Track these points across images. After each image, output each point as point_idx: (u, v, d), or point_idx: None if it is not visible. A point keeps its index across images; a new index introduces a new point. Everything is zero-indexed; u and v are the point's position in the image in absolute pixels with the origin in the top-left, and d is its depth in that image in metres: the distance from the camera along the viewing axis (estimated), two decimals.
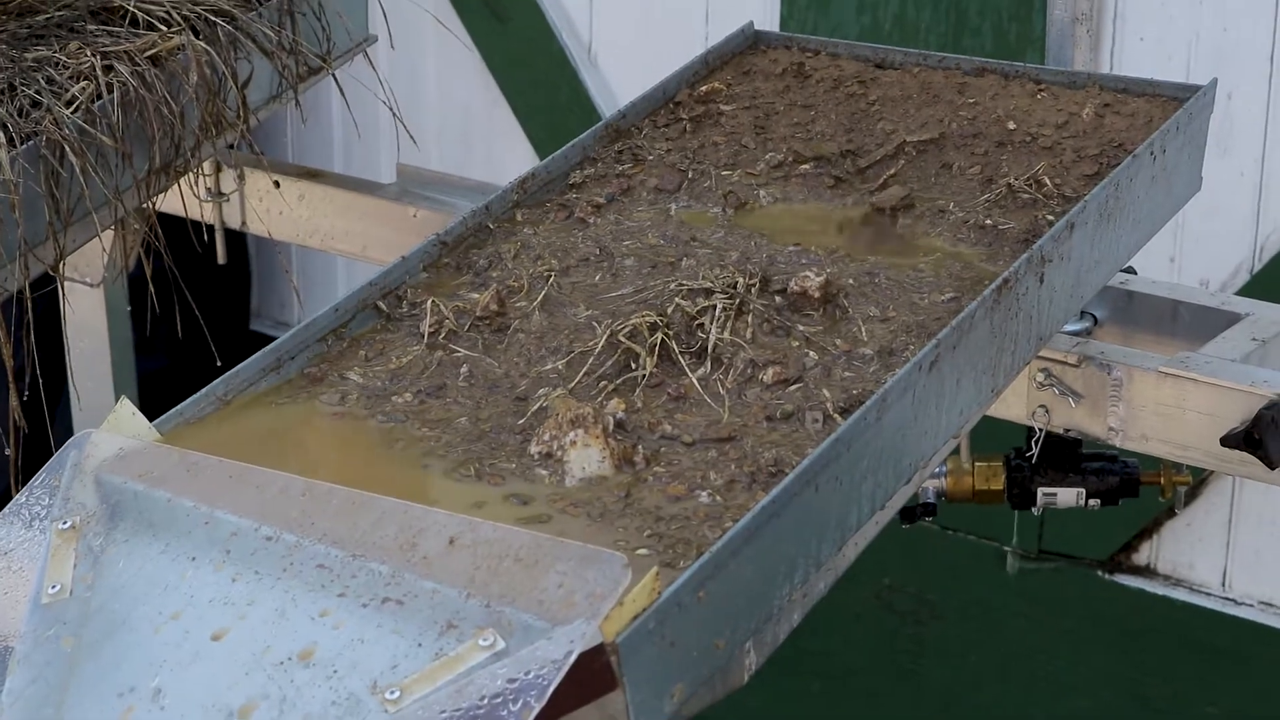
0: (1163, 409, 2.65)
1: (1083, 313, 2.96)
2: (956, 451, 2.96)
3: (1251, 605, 4.08)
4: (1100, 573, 4.18)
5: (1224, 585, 4.11)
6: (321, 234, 3.30)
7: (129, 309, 3.72)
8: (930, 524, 4.04)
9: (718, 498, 2.03)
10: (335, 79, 3.20)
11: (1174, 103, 2.61)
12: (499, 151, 4.56)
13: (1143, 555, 4.18)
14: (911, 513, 3.07)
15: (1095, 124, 2.61)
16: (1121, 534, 4.14)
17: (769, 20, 4.20)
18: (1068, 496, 2.97)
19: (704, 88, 2.83)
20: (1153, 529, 4.13)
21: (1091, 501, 2.97)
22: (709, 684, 2.00)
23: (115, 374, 3.73)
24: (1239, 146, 3.81)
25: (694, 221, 2.51)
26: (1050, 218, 2.41)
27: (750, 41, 2.93)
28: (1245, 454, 2.60)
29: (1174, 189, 2.59)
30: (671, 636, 1.87)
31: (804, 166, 2.61)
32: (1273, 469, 2.59)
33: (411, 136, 3.47)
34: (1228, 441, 2.61)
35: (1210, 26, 3.78)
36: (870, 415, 2.08)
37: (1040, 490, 2.96)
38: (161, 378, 4.47)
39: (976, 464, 2.99)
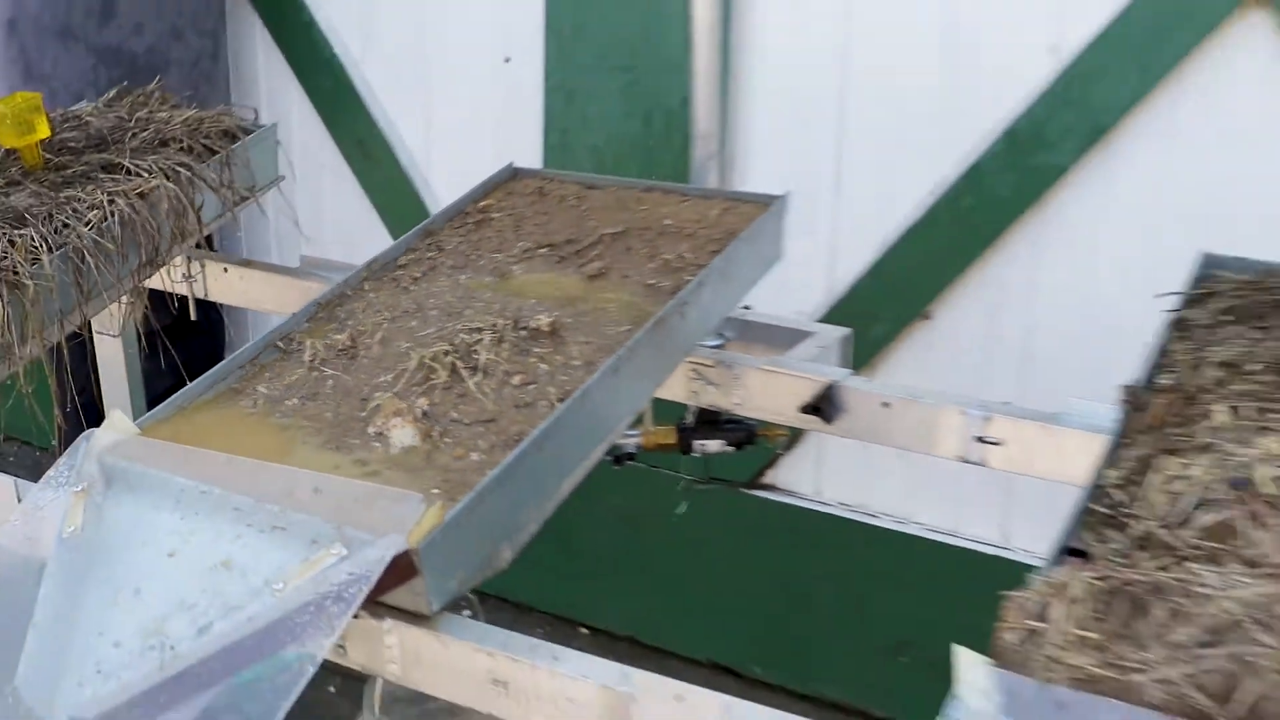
0: (765, 391, 2.69)
1: (719, 334, 3.01)
2: (640, 420, 2.95)
3: (834, 505, 4.11)
4: (744, 490, 4.18)
5: (817, 493, 4.13)
6: (252, 299, 3.27)
7: (144, 350, 3.68)
8: (638, 464, 4.07)
9: (484, 456, 2.05)
10: (259, 203, 3.20)
11: (765, 206, 2.65)
12: (371, 244, 4.53)
13: (769, 477, 4.19)
14: (620, 459, 3.05)
15: (719, 220, 2.64)
16: (755, 465, 4.14)
17: (536, 161, 4.20)
18: (715, 446, 2.97)
19: (483, 203, 2.84)
20: (773, 461, 4.14)
21: (729, 448, 2.98)
22: (480, 569, 2.02)
23: (131, 393, 3.69)
24: (819, 227, 3.85)
25: (474, 287, 2.51)
26: (689, 278, 2.43)
27: (512, 174, 2.95)
28: (813, 417, 2.65)
29: (765, 257, 2.63)
30: (453, 542, 1.89)
31: (542, 250, 2.62)
32: (829, 423, 2.64)
33: (306, 237, 3.47)
34: (803, 410, 2.66)
35: (794, 158, 3.82)
36: (577, 403, 2.11)
37: (697, 443, 2.96)
38: (167, 394, 4.42)
39: (658, 428, 2.98)
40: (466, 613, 2.02)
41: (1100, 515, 1.80)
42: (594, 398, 2.15)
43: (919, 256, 3.73)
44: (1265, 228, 3.25)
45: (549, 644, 1.90)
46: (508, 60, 4.29)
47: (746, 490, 4.21)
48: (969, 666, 1.54)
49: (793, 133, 3.84)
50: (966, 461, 2.56)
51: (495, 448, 2.07)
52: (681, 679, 4.52)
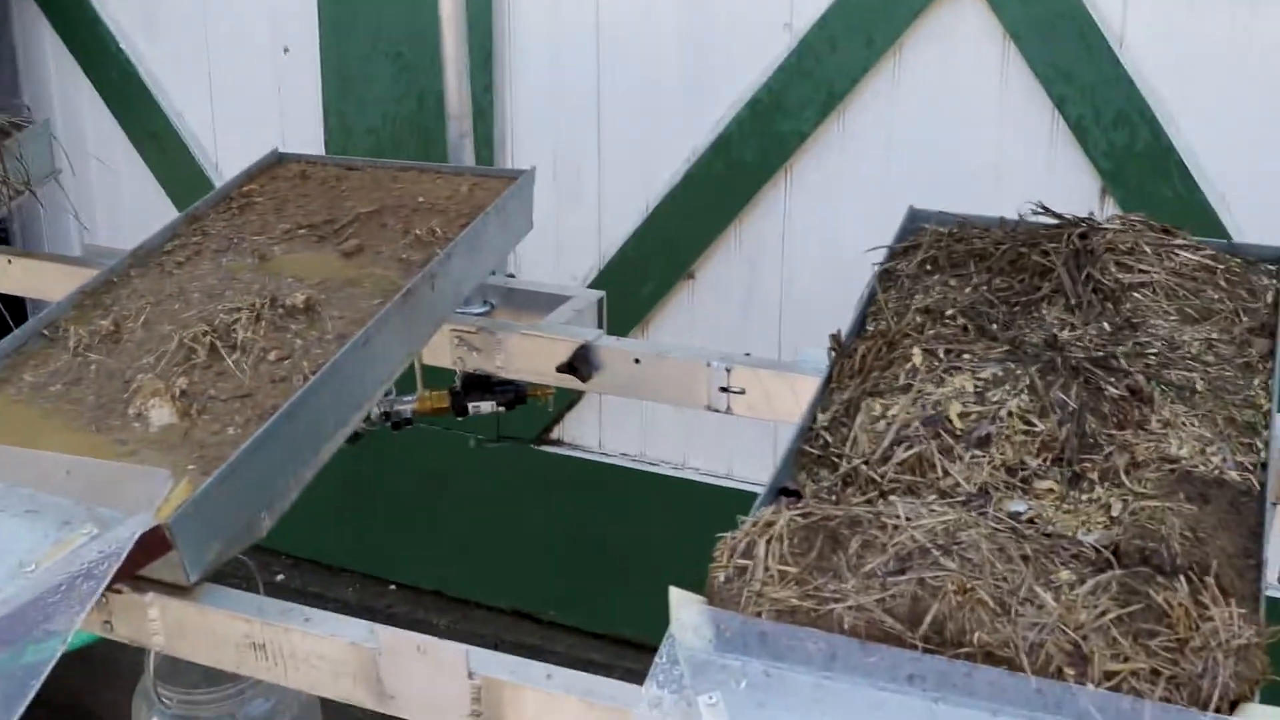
0: (525, 353, 2.67)
1: (485, 301, 2.97)
2: (412, 386, 2.90)
3: (616, 456, 4.11)
4: (533, 446, 4.16)
5: (600, 445, 4.13)
6: (36, 289, 3.16)
7: None
8: (435, 428, 4.03)
9: (240, 430, 1.99)
10: (36, 196, 3.08)
11: (511, 180, 2.61)
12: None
13: (555, 433, 4.18)
14: (397, 425, 3.00)
15: (469, 195, 2.61)
16: (542, 423, 4.12)
17: (319, 146, 4.10)
18: (487, 407, 2.94)
19: (246, 188, 2.76)
20: (558, 419, 4.13)
21: (500, 408, 2.94)
22: (239, 539, 1.96)
23: None
24: (586, 198, 3.83)
25: (235, 269, 2.44)
26: (439, 252, 2.39)
27: (276, 159, 2.87)
28: (570, 375, 2.63)
29: (514, 229, 2.60)
30: (206, 515, 1.84)
31: (301, 231, 2.56)
32: (584, 382, 2.62)
33: (85, 227, 3.35)
34: (560, 369, 2.63)
35: (560, 135, 3.79)
36: (327, 374, 2.06)
37: (470, 404, 2.92)
38: None
39: (432, 393, 2.93)
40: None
41: (812, 455, 1.81)
42: (345, 369, 2.11)
43: (679, 220, 3.73)
44: (976, 183, 3.31)
45: (301, 607, 1.86)
46: (286, 50, 4.18)
47: (535, 446, 4.18)
48: (681, 605, 1.53)
49: (557, 112, 3.81)
50: (713, 410, 2.56)
51: (250, 421, 2.01)
52: (485, 627, 4.48)
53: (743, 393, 2.51)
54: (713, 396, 2.53)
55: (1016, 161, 3.32)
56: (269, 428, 1.94)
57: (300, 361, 2.14)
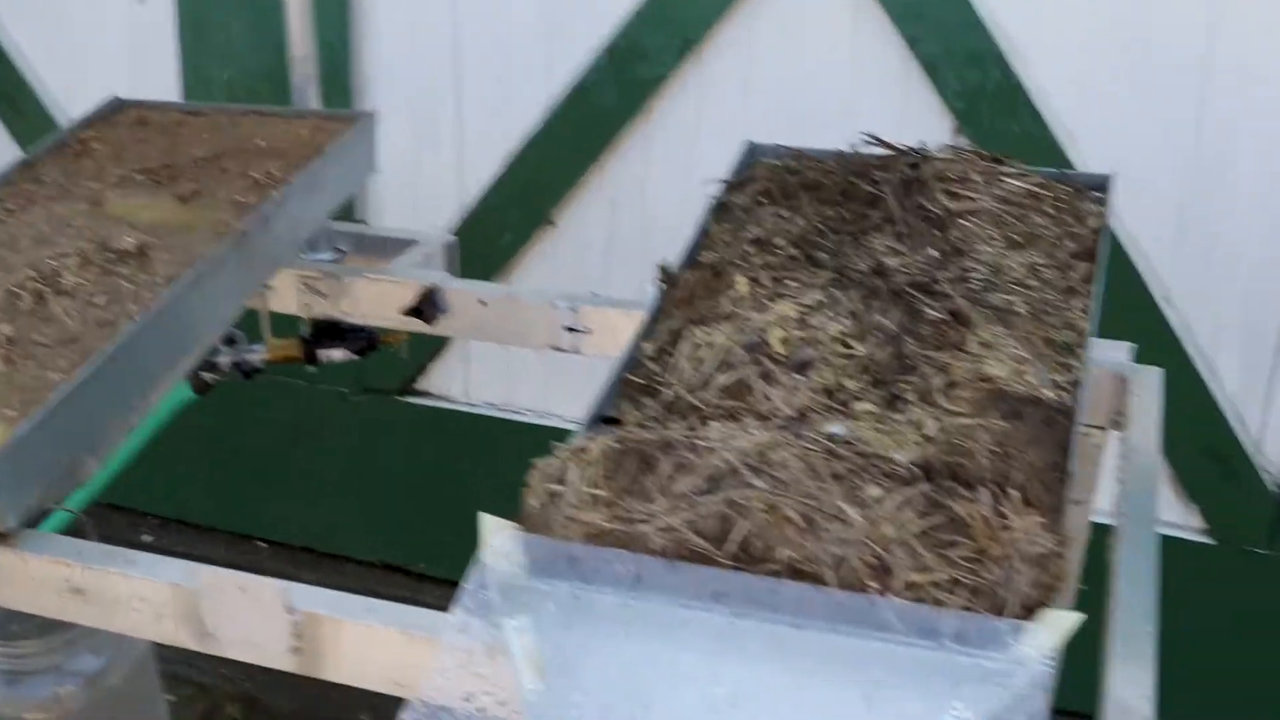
0: (370, 298, 2.65)
1: (335, 248, 2.94)
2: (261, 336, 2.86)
3: (482, 406, 4.09)
4: (398, 398, 4.13)
5: (466, 395, 4.11)
6: None
7: None
8: (296, 379, 3.98)
9: (63, 375, 1.95)
10: None
11: (352, 122, 2.58)
12: None
13: (419, 384, 4.16)
14: (248, 374, 2.93)
15: (310, 139, 2.57)
16: (406, 373, 4.09)
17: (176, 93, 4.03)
18: (339, 355, 2.89)
19: (84, 135, 2.70)
20: (422, 369, 4.10)
21: (354, 356, 2.90)
22: (62, 482, 1.93)
23: None
24: (444, 145, 3.80)
25: (68, 215, 2.39)
26: (275, 194, 2.36)
27: (116, 106, 2.81)
28: (416, 319, 2.62)
29: (355, 171, 2.57)
30: (24, 459, 1.80)
31: (138, 177, 2.51)
32: (430, 325, 2.61)
33: None
34: (406, 312, 2.62)
35: (417, 81, 3.74)
36: (153, 318, 2.03)
37: (321, 352, 2.88)
38: None
39: (283, 341, 2.88)
40: None
41: (637, 385, 1.81)
42: (173, 312, 2.07)
43: (539, 167, 3.71)
44: (832, 122, 3.32)
45: (123, 550, 1.83)
46: (142, 1, 4.09)
47: (400, 398, 4.16)
48: (492, 531, 1.52)
49: (415, 58, 3.77)
50: (560, 350, 2.56)
51: (75, 366, 1.97)
52: (356, 582, 4.46)
53: (590, 332, 2.51)
54: (560, 336, 2.53)
55: (871, 102, 3.34)
56: (90, 370, 1.91)
57: (129, 305, 2.10)
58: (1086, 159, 3.22)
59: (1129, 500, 1.90)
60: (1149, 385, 2.22)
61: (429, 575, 4.31)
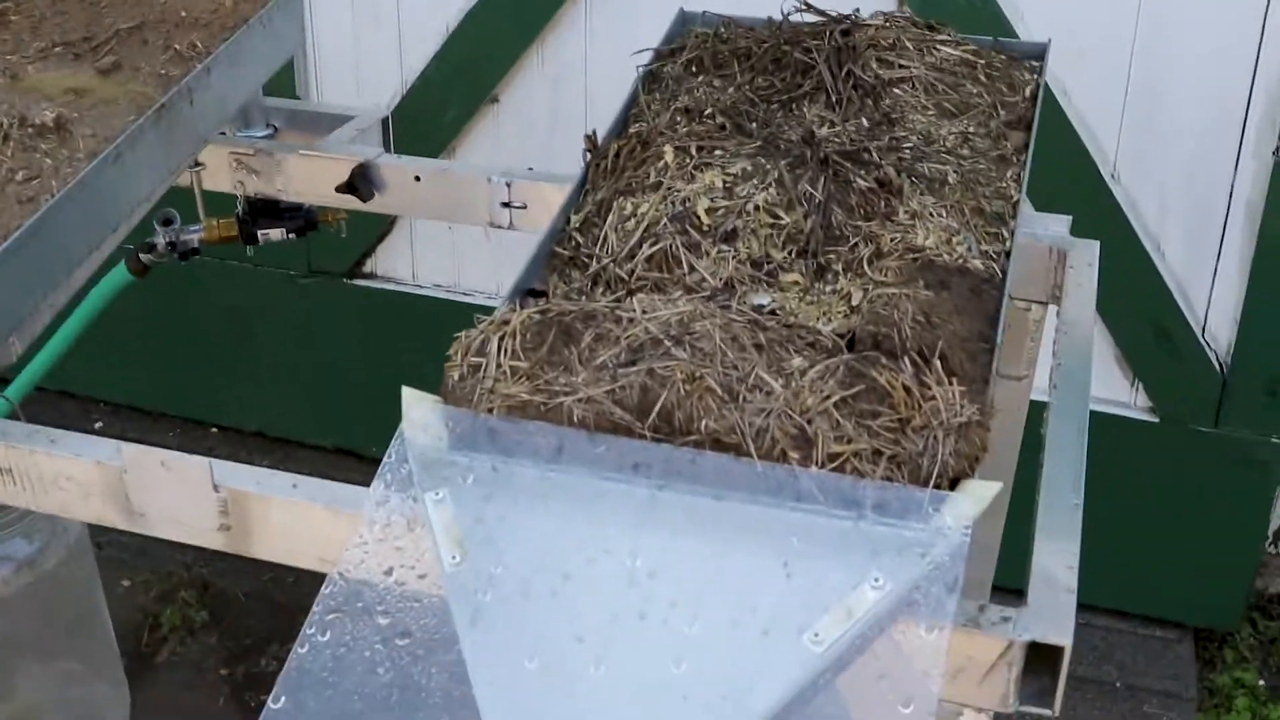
0: (304, 175, 2.61)
1: (268, 124, 2.88)
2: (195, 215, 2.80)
3: (429, 287, 4.06)
4: (344, 280, 4.09)
5: (413, 277, 4.07)
6: None
7: None
8: (243, 263, 3.94)
9: None
10: None
11: None
12: None
13: (368, 266, 4.11)
14: (185, 255, 2.89)
15: (234, 9, 2.50)
16: (354, 255, 4.05)
17: None
18: (276, 234, 2.86)
19: (1, 6, 2.61)
20: (370, 251, 4.06)
21: (290, 235, 2.87)
22: None
23: None
24: (384, 20, 3.72)
25: None
26: (198, 66, 2.30)
27: None
28: (350, 196, 2.58)
29: (281, 43, 2.51)
30: None
31: (57, 49, 2.44)
32: (365, 201, 2.57)
33: None
34: (339, 189, 2.58)
35: None
36: (74, 192, 1.99)
37: (259, 232, 2.84)
38: None
39: (220, 221, 2.84)
40: None
41: (563, 257, 1.78)
42: (94, 187, 2.03)
43: (480, 42, 3.64)
44: None
45: (47, 429, 1.80)
46: None
47: (347, 280, 4.11)
48: (413, 404, 1.50)
49: None
50: (496, 225, 2.53)
51: None
52: (308, 466, 4.45)
53: (524, 207, 2.48)
54: (494, 212, 2.50)
55: None
56: (8, 247, 1.87)
57: (49, 181, 2.05)
58: (1031, 30, 3.18)
59: (1062, 374, 1.90)
60: (1086, 258, 2.21)
61: (380, 459, 4.29)
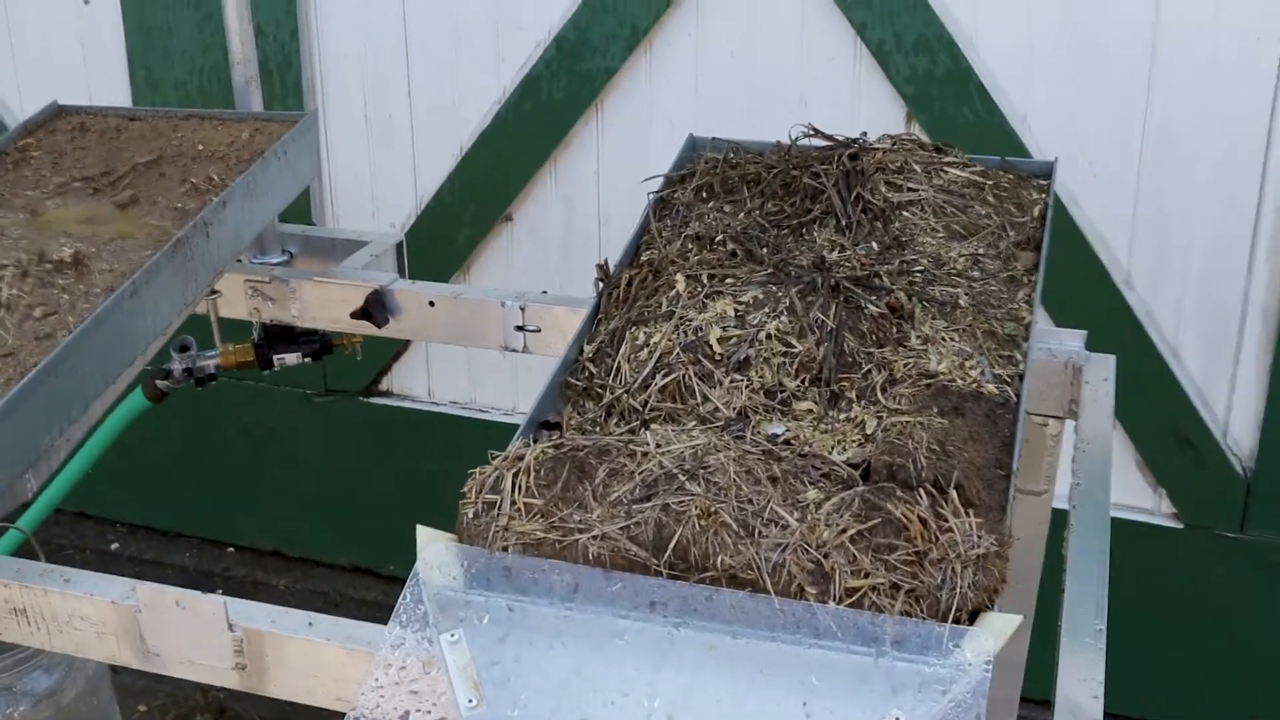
0: (320, 301, 2.62)
1: (284, 250, 2.91)
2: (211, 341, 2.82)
3: (446, 405, 4.06)
4: (361, 398, 4.10)
5: (430, 395, 4.08)
6: None
7: None
8: (259, 382, 3.96)
9: (1, 390, 1.91)
10: None
11: (292, 124, 2.54)
12: None
13: (384, 384, 4.12)
14: (201, 381, 2.91)
15: (250, 141, 2.54)
16: (370, 373, 4.06)
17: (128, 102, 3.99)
18: (292, 359, 2.87)
19: (23, 142, 2.66)
20: (386, 369, 4.07)
21: (306, 359, 2.88)
22: (2, 500, 1.90)
23: None
24: (399, 143, 3.77)
25: (5, 225, 2.34)
26: (214, 199, 2.32)
27: (55, 112, 2.76)
28: (366, 322, 2.59)
29: (298, 173, 2.53)
30: None
31: (77, 184, 2.48)
32: (379, 328, 2.58)
33: None
34: (354, 315, 2.59)
35: (370, 81, 3.72)
36: (90, 328, 2.00)
37: (275, 357, 2.85)
38: None
39: (236, 346, 2.85)
40: None
41: (577, 388, 1.78)
42: (110, 322, 2.04)
43: (493, 162, 3.68)
44: (785, 112, 3.30)
45: (61, 568, 1.80)
46: (87, 2, 4.04)
47: (364, 399, 4.13)
48: (427, 543, 1.50)
49: (365, 56, 3.73)
50: (511, 350, 2.53)
51: (12, 381, 1.93)
52: (326, 585, 4.42)
53: (538, 331, 2.49)
54: (508, 336, 2.51)
55: (822, 90, 3.32)
56: (25, 385, 1.88)
57: (66, 317, 2.07)
58: (1040, 143, 3.20)
59: (1081, 495, 1.89)
60: (1102, 373, 2.21)
61: (399, 577, 4.27)
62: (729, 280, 1.84)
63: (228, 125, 2.60)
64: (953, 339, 1.75)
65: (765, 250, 1.92)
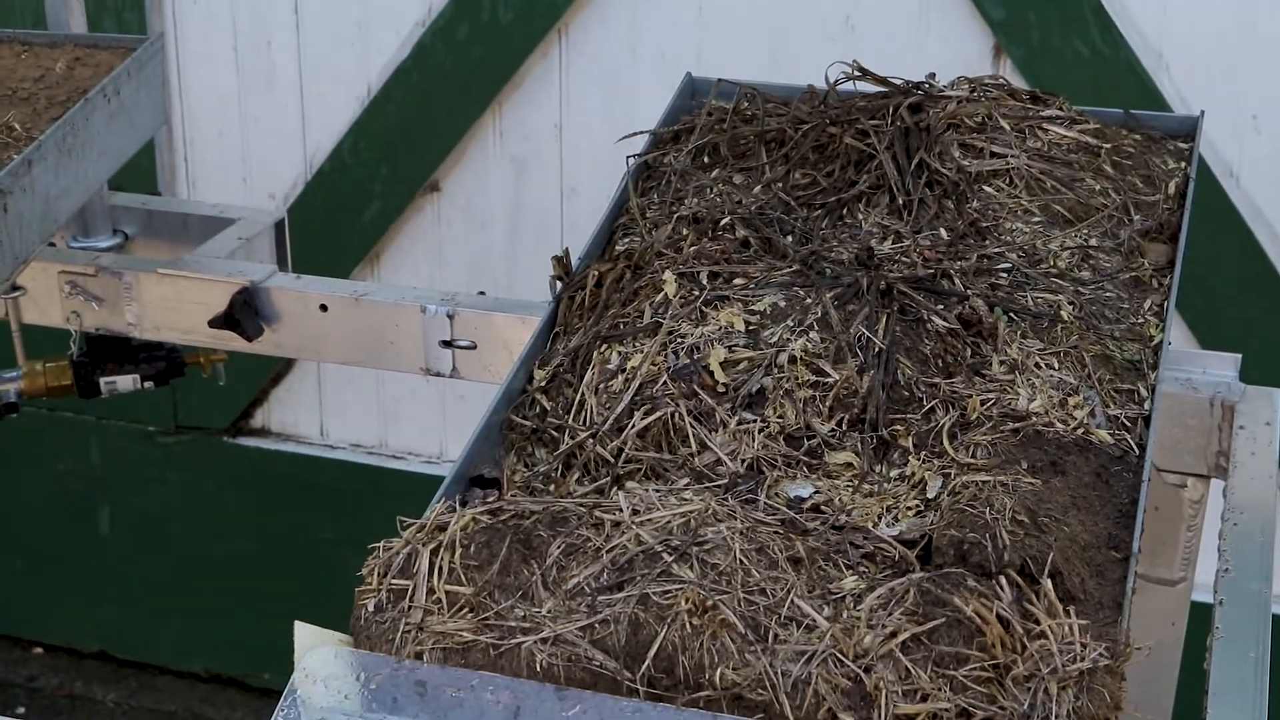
0: (166, 303, 2.63)
1: (115, 229, 2.92)
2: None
3: (346, 448, 4.08)
4: (225, 438, 4.11)
5: (322, 434, 4.10)
6: None
7: None
8: (83, 415, 3.97)
9: None
10: None
11: (128, 51, 2.56)
12: None
13: (258, 420, 4.14)
14: (1, 413, 2.92)
15: (67, 75, 2.54)
16: (238, 404, 4.08)
17: None
18: (126, 383, 2.89)
19: None
20: (261, 398, 4.09)
21: (146, 384, 2.89)
22: None
23: None
24: (280, 82, 3.78)
25: None
26: (15, 157, 2.32)
27: None
28: (232, 333, 2.60)
29: (137, 123, 2.54)
30: None
31: None
32: (250, 341, 2.59)
33: None
34: (214, 323, 2.60)
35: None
36: None
37: (102, 380, 2.87)
38: None
39: (47, 365, 2.86)
40: None
41: (524, 430, 1.80)
42: None
43: (414, 109, 3.70)
44: (821, 43, 3.32)
45: None
46: None
47: (231, 439, 4.14)
48: (309, 647, 1.50)
49: None
50: (436, 374, 2.55)
51: None
52: (172, 700, 4.44)
53: (473, 347, 2.50)
54: (431, 355, 2.52)
55: (875, 10, 3.34)
56: None
57: None
58: (1182, 90, 3.22)
59: (1230, 583, 1.89)
60: (1263, 414, 2.22)
61: (275, 690, 4.29)
62: (738, 280, 1.85)
63: (35, 52, 2.62)
64: (1050, 366, 1.76)
65: (790, 239, 1.93)
